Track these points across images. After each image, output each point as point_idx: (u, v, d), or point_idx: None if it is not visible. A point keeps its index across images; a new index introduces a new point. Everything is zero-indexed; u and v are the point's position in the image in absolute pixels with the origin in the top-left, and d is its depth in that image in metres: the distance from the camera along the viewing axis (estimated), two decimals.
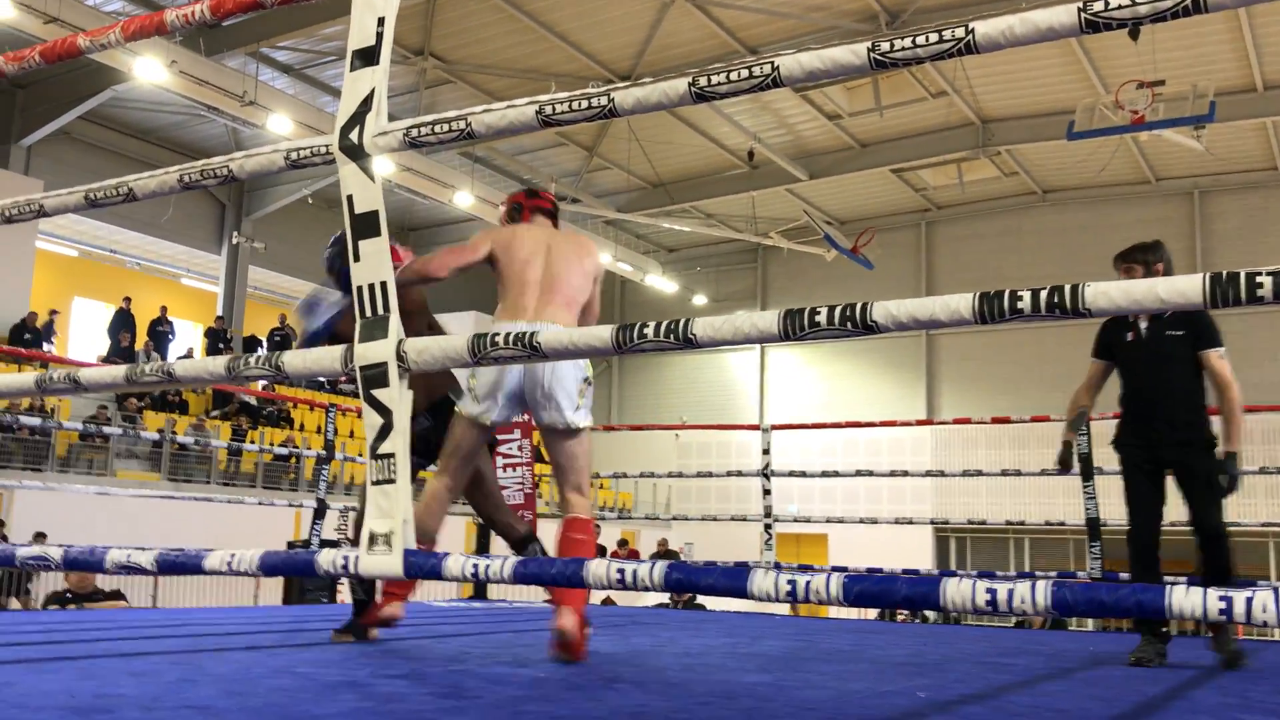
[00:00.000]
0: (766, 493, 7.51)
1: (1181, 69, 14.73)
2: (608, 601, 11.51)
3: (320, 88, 17.75)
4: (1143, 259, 4.35)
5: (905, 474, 7.24)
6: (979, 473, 7.04)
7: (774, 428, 7.83)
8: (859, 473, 7.10)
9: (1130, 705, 3.03)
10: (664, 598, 10.97)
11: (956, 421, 7.75)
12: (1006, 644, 5.43)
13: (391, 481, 1.62)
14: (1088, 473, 6.18)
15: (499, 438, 7.29)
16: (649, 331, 1.43)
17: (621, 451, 23.77)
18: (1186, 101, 14.29)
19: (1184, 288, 1.17)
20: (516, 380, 3.73)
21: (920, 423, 7.96)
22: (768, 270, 24.23)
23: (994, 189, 21.18)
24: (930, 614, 16.70)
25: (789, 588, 1.30)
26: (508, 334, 1.54)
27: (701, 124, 18.79)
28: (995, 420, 6.98)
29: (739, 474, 8.31)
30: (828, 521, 7.49)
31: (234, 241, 20.65)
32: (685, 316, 1.48)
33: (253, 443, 13.47)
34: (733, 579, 1.35)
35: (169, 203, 19.86)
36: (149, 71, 14.10)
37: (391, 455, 1.63)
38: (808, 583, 1.28)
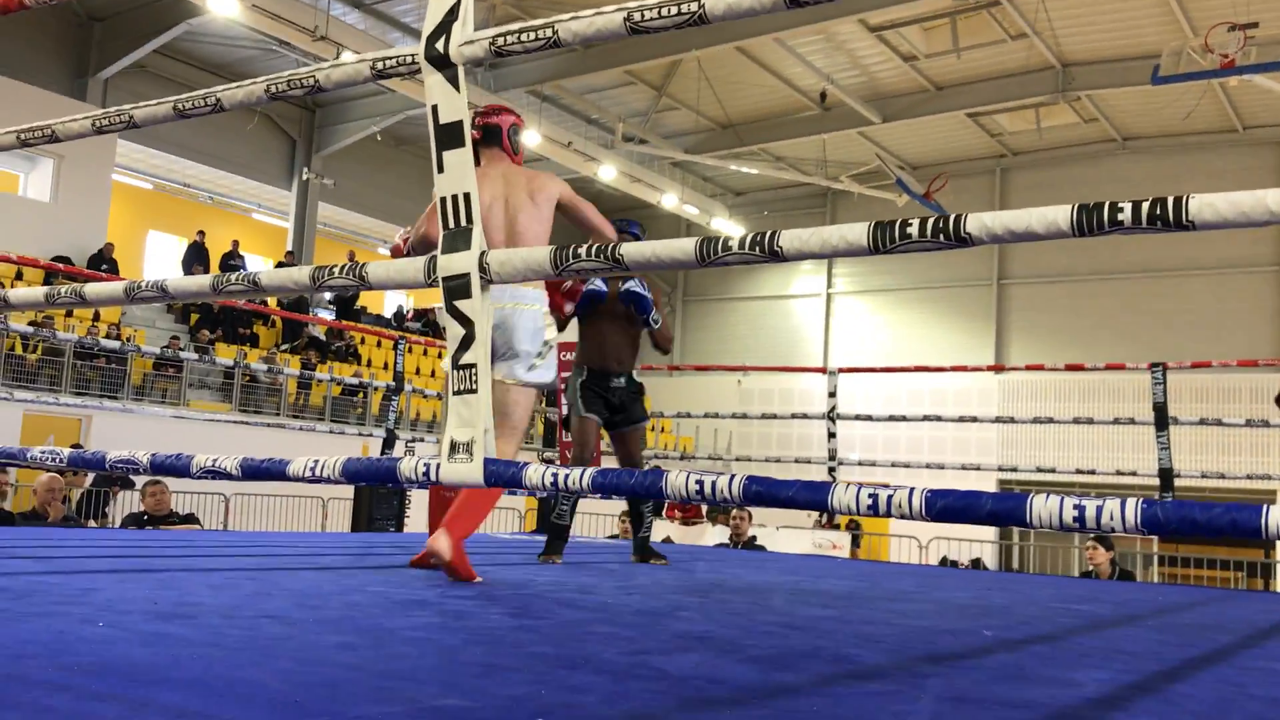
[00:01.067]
0: (831, 435, 7.48)
1: (1277, 11, 14.18)
2: (667, 539, 11.60)
3: (391, 23, 17.76)
4: None
5: (974, 419, 7.16)
6: (1050, 420, 6.94)
7: (840, 371, 7.78)
8: (925, 418, 7.03)
9: (1203, 650, 2.99)
10: (724, 538, 11.02)
11: (1028, 368, 7.62)
12: (1073, 592, 5.39)
13: (473, 391, 1.63)
14: (1162, 422, 6.07)
15: (562, 375, 7.32)
16: (733, 244, 1.41)
17: (683, 394, 23.81)
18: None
19: None
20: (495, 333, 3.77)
21: (990, 368, 7.86)
22: (837, 215, 23.93)
23: (1072, 135, 20.65)
24: (991, 565, 16.61)
25: (870, 501, 1.29)
26: (592, 245, 1.54)
27: (774, 64, 18.50)
28: (1069, 367, 6.86)
29: (804, 416, 8.29)
30: (892, 465, 7.45)
31: (304, 178, 20.85)
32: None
33: (322, 375, 13.67)
34: (813, 492, 1.34)
35: (237, 137, 20.08)
36: (222, 5, 14.20)
37: (473, 365, 1.63)
38: (890, 496, 1.28)
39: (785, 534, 12.84)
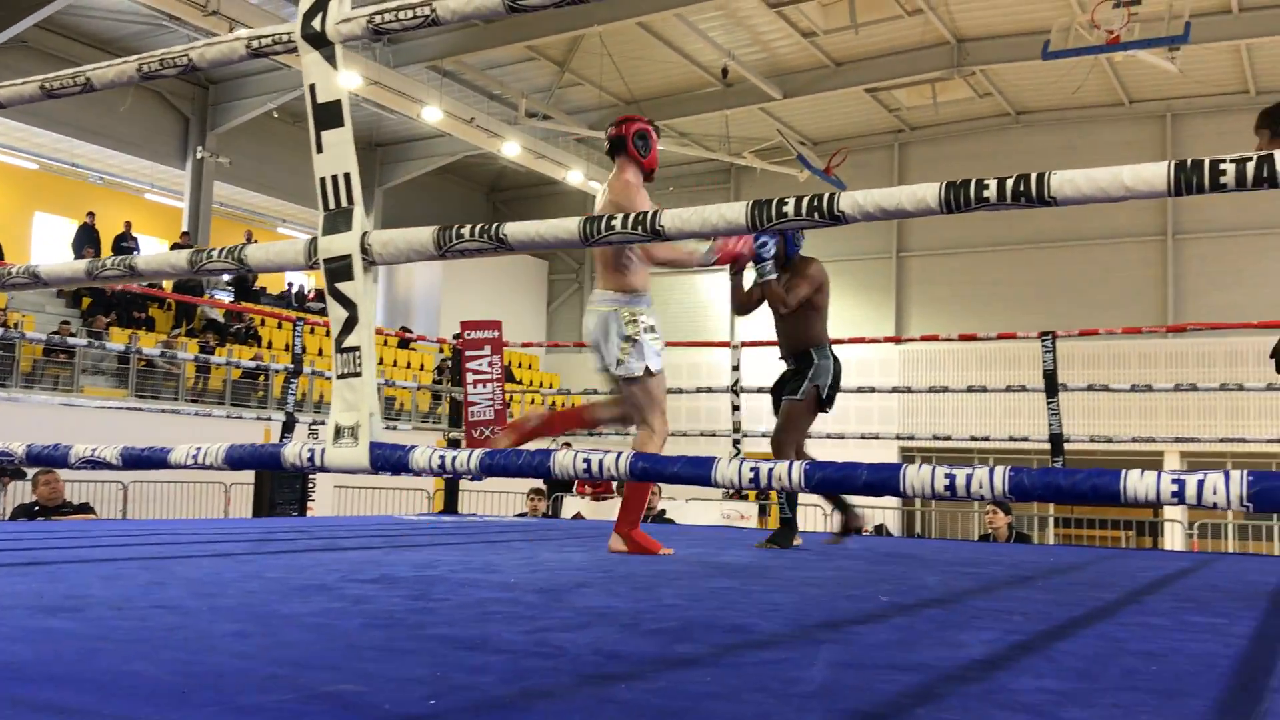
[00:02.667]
0: (735, 409, 7.56)
1: None
2: (577, 516, 11.62)
3: None
4: (1265, 124, 3.63)
5: (872, 390, 7.30)
6: (944, 389, 7.11)
7: (743, 345, 7.86)
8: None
9: (1087, 609, 3.10)
10: None
11: (924, 339, 7.80)
12: (970, 555, 5.54)
13: (357, 375, 1.61)
14: (1052, 389, 6.26)
15: (467, 353, 7.28)
16: (616, 224, 1.42)
17: (592, 371, 23.82)
18: (1162, 22, 14.20)
19: (1149, 176, 1.17)
20: (586, 329, 4.57)
21: (886, 340, 8.00)
22: (741, 191, 24.08)
23: (968, 110, 21.07)
24: (895, 531, 16.98)
25: (752, 475, 1.31)
26: (475, 225, 1.53)
27: (676, 39, 18.51)
28: (963, 337, 7.03)
29: (709, 390, 8.35)
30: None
31: (198, 156, 20.28)
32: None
33: (218, 359, 13.35)
34: (697, 467, 1.36)
35: (127, 115, 19.46)
36: None
37: (356, 349, 1.62)
38: (770, 470, 1.30)
39: (695, 506, 12.95)
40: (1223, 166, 1.14)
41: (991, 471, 1.21)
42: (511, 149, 20.19)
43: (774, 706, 1.61)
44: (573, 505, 12.90)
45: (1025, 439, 7.21)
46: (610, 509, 12.66)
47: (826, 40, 18.41)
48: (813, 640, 2.32)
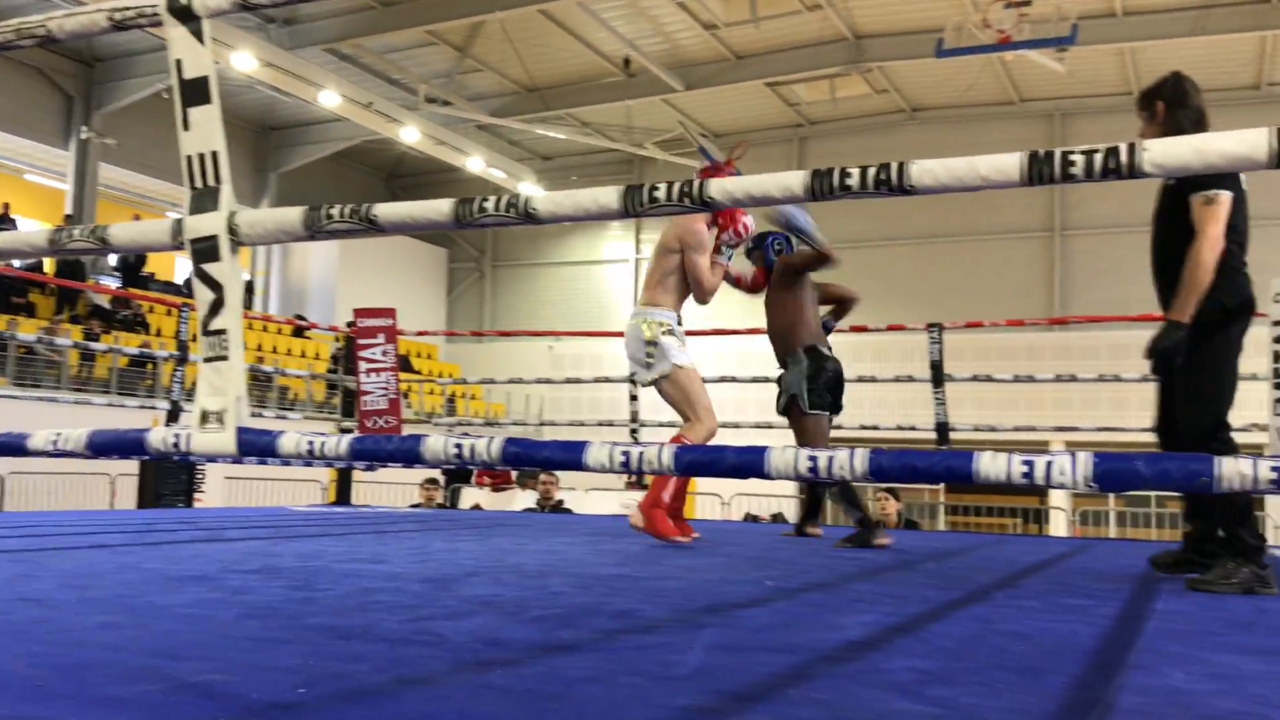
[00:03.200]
0: (633, 398, 7.58)
1: None
2: (475, 507, 11.55)
3: None
4: (1144, 105, 3.60)
5: (766, 380, 7.38)
6: (873, 379, 7.25)
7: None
8: (722, 379, 7.22)
9: (965, 592, 3.19)
10: (531, 503, 11.05)
11: (854, 330, 7.90)
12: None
13: (224, 359, 1.57)
14: (938, 379, 6.41)
15: (360, 341, 7.17)
16: (489, 205, 1.40)
17: (495, 361, 23.66)
18: (1050, 23, 14.63)
19: (1004, 166, 1.21)
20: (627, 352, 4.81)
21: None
22: (643, 181, 24.08)
23: (865, 106, 21.42)
24: (791, 519, 17.22)
25: (623, 459, 1.32)
26: (343, 206, 1.51)
27: (577, 28, 18.45)
28: (854, 329, 7.15)
29: (607, 380, 8.37)
30: None
31: (83, 137, 19.56)
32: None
33: (101, 346, 12.90)
34: (569, 451, 1.36)
35: (4, 91, 18.69)
36: None
37: (223, 332, 1.58)
38: (640, 453, 1.31)
39: (594, 496, 12.97)
40: (1072, 158, 1.18)
41: (852, 453, 1.24)
42: (411, 135, 19.91)
43: (648, 689, 1.62)
44: (471, 496, 12.81)
45: (913, 428, 7.37)
46: (509, 499, 12.61)
47: (728, 33, 18.53)
48: (695, 625, 2.35)
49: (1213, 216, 3.25)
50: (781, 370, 5.17)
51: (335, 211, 1.51)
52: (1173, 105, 3.44)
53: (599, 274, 24.79)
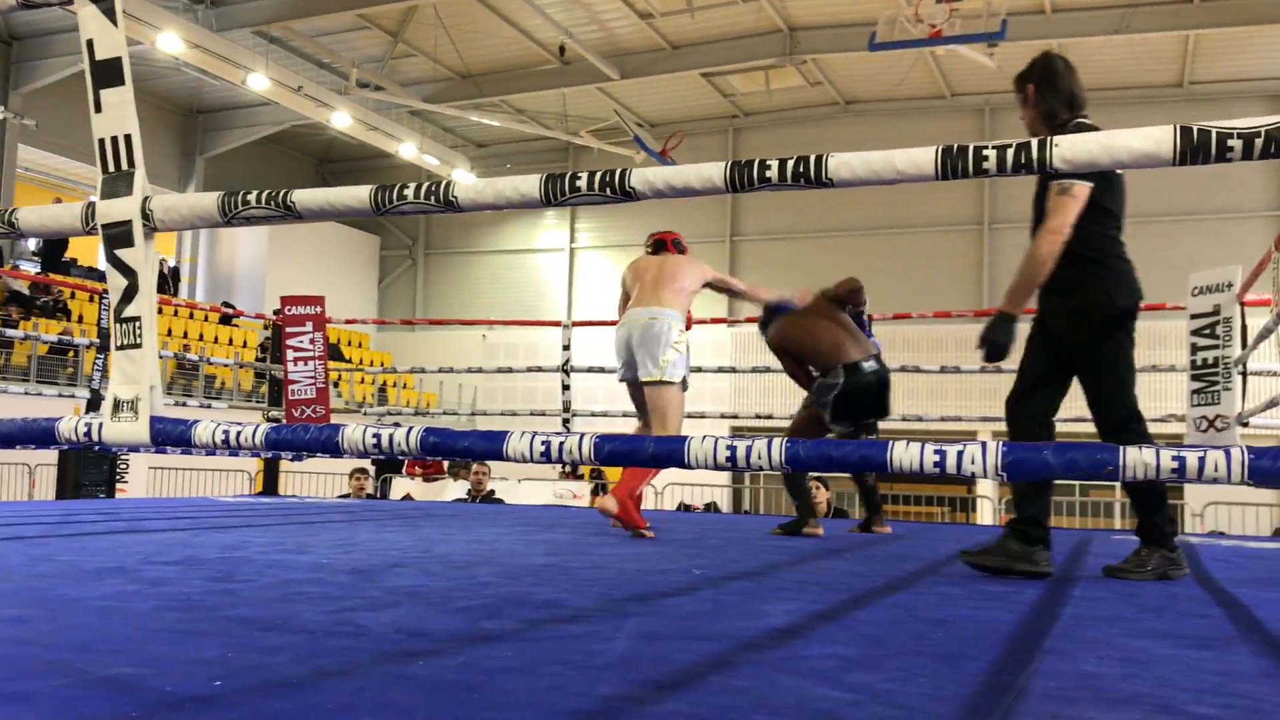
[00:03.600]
0: (566, 388, 7.57)
1: None
2: (406, 497, 11.46)
3: None
4: (1018, 88, 3.54)
5: (698, 369, 7.42)
6: (766, 369, 7.30)
7: (575, 324, 7.88)
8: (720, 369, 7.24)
9: (888, 580, 3.23)
10: (463, 493, 10.99)
11: (748, 320, 7.96)
12: None
13: (137, 346, 1.54)
14: None
15: (287, 329, 7.07)
16: (409, 193, 1.39)
17: (428, 350, 23.47)
18: (981, 19, 14.83)
19: (919, 159, 1.22)
20: (624, 343, 4.98)
21: (714, 320, 8.15)
22: (578, 170, 24.01)
23: (800, 98, 21.55)
24: (725, 508, 17.33)
25: (543, 449, 1.31)
26: (260, 192, 1.48)
27: (512, 14, 18.32)
28: None
29: (539, 369, 8.36)
30: (623, 416, 7.61)
31: (0, 117, 19.02)
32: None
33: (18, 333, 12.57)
34: (489, 441, 1.35)
35: None
36: None
37: (137, 319, 1.54)
38: (561, 443, 1.30)
39: (527, 486, 12.93)
40: (985, 153, 1.20)
41: (770, 443, 1.25)
42: (342, 120, 19.64)
43: (570, 678, 1.63)
44: (402, 486, 12.71)
45: None
46: (441, 490, 12.54)
47: (663, 23, 18.53)
48: (621, 614, 2.35)
49: (1061, 208, 3.15)
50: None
51: (252, 197, 1.49)
52: (1041, 87, 3.39)
53: (534, 263, 24.68)
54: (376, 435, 1.42)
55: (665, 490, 13.50)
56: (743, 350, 21.38)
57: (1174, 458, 1.14)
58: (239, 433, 1.46)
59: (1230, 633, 2.31)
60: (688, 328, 5.13)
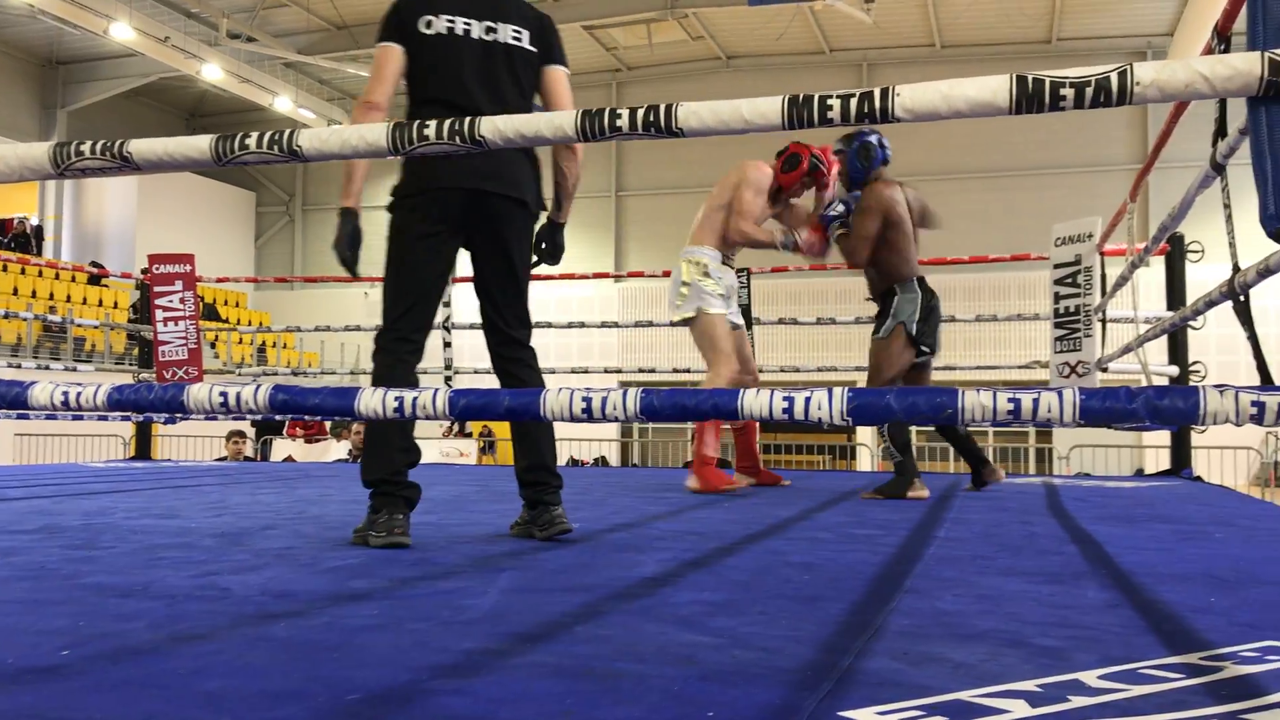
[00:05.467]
0: (446, 345, 7.49)
1: None
2: (288, 459, 11.24)
3: None
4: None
5: (581, 325, 7.42)
6: (649, 323, 7.33)
7: (455, 280, 7.76)
8: (536, 324, 7.19)
9: (763, 527, 3.29)
10: (345, 454, 10.84)
11: (630, 275, 7.98)
12: (668, 479, 5.77)
13: None
14: (747, 323, 6.55)
15: (156, 289, 6.84)
16: (251, 142, 1.34)
17: (308, 308, 22.95)
18: None
19: (765, 109, 1.23)
20: None
21: (596, 275, 8.14)
22: None
23: (682, 52, 21.53)
24: (614, 462, 17.43)
25: (396, 404, 1.29)
26: (94, 143, 1.41)
27: None
28: (665, 274, 7.23)
29: None
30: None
31: None
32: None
33: None
34: (340, 398, 1.32)
35: None
36: None
37: None
38: (414, 399, 1.28)
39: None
40: (830, 103, 1.21)
41: (625, 393, 1.25)
42: (212, 72, 18.94)
43: (435, 634, 1.62)
44: (284, 448, 12.46)
45: None
46: (324, 451, 12.32)
47: None
48: (494, 569, 2.35)
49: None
50: (879, 305, 4.82)
51: (86, 148, 1.42)
52: None
53: None
54: (224, 394, 1.38)
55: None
56: (630, 305, 21.45)
57: (1010, 399, 1.18)
58: (79, 394, 1.40)
59: (1081, 568, 2.41)
60: (730, 245, 4.89)
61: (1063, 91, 1.15)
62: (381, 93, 2.83)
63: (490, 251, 2.87)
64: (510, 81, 2.87)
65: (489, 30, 2.86)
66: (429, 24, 2.81)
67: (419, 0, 2.84)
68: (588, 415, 1.26)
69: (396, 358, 2.81)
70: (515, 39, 2.88)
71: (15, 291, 18.29)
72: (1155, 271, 7.03)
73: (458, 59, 2.82)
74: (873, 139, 4.78)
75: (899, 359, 4.65)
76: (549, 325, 7.58)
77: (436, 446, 12.99)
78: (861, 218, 4.61)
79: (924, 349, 4.71)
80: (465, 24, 2.84)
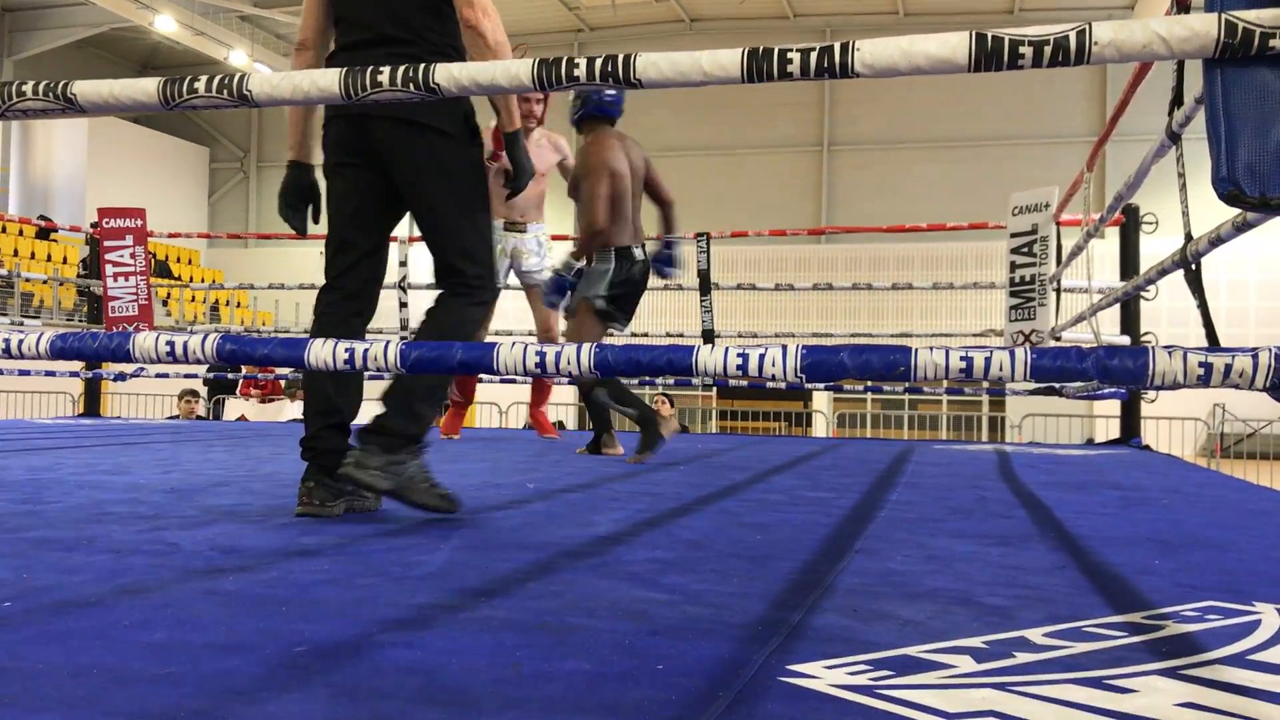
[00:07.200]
0: (403, 305, 7.43)
1: None
2: (241, 418, 11.13)
3: None
4: None
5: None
6: None
7: (412, 240, 7.69)
8: None
9: (718, 488, 3.31)
10: (299, 413, 10.74)
11: (568, 237, 7.94)
12: (626, 445, 5.76)
13: None
14: (705, 288, 6.56)
15: (106, 243, 6.72)
16: (200, 86, 1.30)
17: (264, 266, 22.67)
18: None
19: (725, 61, 1.22)
20: None
21: (555, 238, 8.08)
22: None
23: (645, 14, 21.38)
24: (571, 426, 17.42)
25: (346, 356, 1.27)
26: (36, 82, 1.37)
27: None
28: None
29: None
30: None
31: None
32: None
33: None
34: (290, 348, 1.30)
35: None
36: None
37: None
38: (365, 350, 1.27)
39: (368, 406, 12.70)
40: (790, 56, 1.20)
41: (579, 349, 1.24)
42: (166, 23, 18.56)
43: (385, 589, 1.61)
44: (237, 407, 12.33)
45: (680, 335, 7.54)
46: (278, 410, 12.22)
47: None
48: (448, 527, 2.34)
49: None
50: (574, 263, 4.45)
51: (28, 88, 1.37)
52: None
53: None
54: (170, 343, 1.35)
55: (510, 409, 13.47)
56: None
57: (962, 358, 1.18)
58: (20, 342, 1.37)
59: (1030, 531, 2.44)
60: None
61: (1021, 50, 1.14)
62: (307, 29, 2.63)
63: (401, 181, 2.55)
64: None
65: None
66: None
67: None
68: (541, 368, 1.25)
69: (321, 310, 2.59)
70: None
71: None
72: (1111, 244, 7.11)
73: None
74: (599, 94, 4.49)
75: (589, 334, 4.43)
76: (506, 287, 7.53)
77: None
78: (590, 180, 4.36)
79: (614, 325, 4.54)
80: None
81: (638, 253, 4.48)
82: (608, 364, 1.24)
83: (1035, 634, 1.40)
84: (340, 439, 2.56)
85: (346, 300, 2.59)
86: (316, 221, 2.71)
